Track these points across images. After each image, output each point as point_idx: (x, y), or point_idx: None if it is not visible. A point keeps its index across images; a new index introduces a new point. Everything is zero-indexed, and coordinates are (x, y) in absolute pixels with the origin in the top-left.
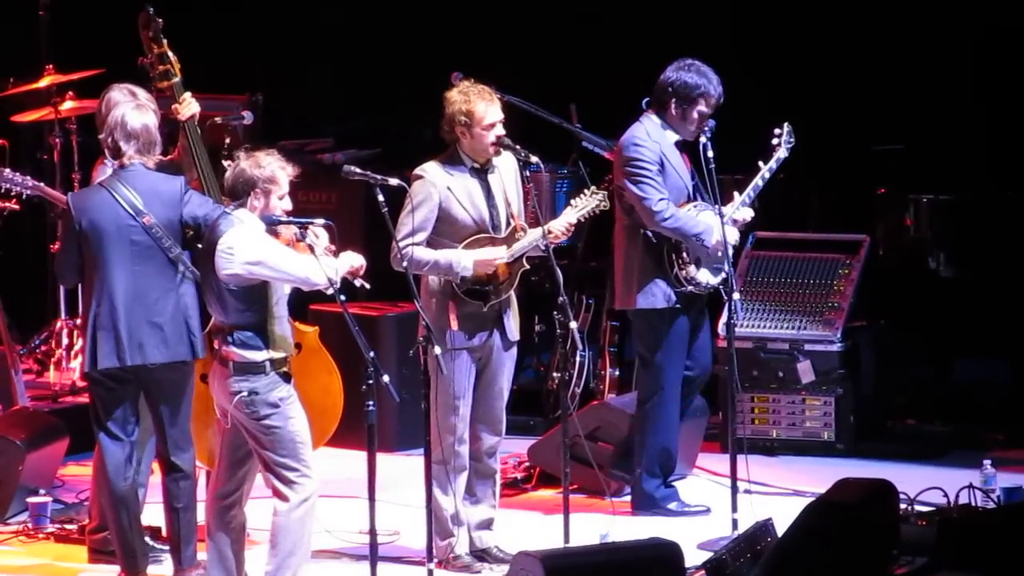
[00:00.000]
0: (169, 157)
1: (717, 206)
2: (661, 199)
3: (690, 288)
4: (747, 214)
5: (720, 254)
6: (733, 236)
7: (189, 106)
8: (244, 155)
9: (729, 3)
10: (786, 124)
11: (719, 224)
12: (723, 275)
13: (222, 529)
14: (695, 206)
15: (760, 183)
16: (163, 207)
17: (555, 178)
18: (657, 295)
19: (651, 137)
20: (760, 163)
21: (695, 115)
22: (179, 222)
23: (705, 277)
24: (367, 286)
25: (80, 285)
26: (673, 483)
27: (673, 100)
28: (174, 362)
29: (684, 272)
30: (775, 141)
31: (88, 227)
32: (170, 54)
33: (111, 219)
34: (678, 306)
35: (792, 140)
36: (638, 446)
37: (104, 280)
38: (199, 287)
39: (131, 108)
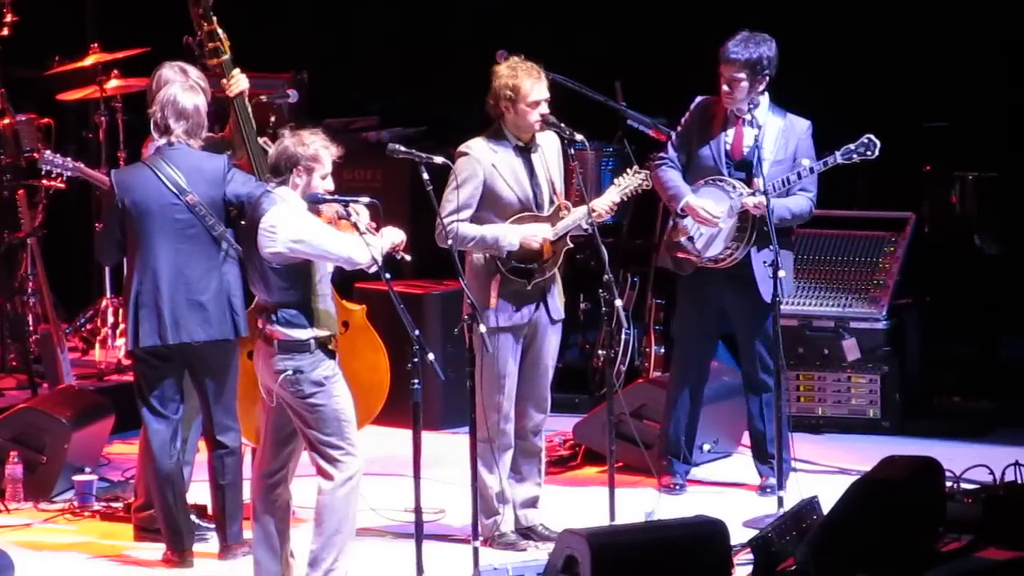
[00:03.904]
0: (220, 135)
1: (732, 187)
2: (657, 156)
3: (682, 255)
4: (752, 201)
5: (701, 228)
6: (722, 221)
7: (238, 82)
8: (289, 133)
9: None
10: (867, 137)
11: (711, 200)
12: (721, 250)
13: (267, 508)
14: (707, 180)
15: (794, 177)
16: (206, 185)
17: (600, 156)
18: (665, 256)
19: (696, 105)
20: (804, 160)
21: (722, 79)
22: (222, 200)
23: (690, 245)
24: (408, 258)
25: (124, 262)
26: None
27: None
28: (217, 340)
29: (676, 235)
30: (850, 146)
31: (131, 205)
32: (219, 31)
33: (154, 197)
34: (682, 273)
35: (862, 154)
36: None
37: (147, 258)
38: (243, 265)
39: (183, 87)
